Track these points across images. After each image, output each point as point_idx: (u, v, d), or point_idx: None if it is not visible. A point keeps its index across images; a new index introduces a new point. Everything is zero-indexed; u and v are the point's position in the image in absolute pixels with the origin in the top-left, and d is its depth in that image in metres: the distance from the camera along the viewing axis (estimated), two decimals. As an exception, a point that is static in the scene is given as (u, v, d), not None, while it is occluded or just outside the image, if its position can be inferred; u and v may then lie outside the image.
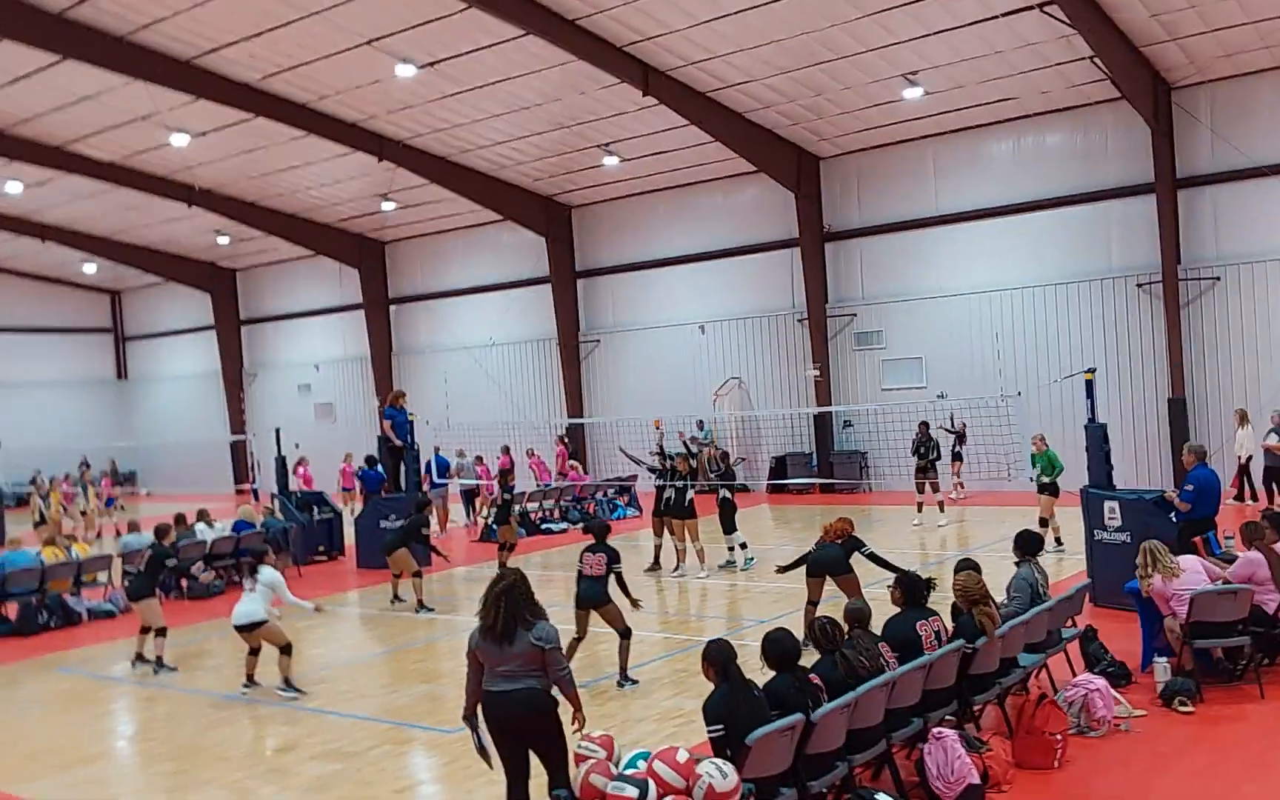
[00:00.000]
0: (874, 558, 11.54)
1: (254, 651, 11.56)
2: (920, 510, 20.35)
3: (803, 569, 11.79)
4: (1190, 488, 12.01)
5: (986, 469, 20.94)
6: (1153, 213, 22.57)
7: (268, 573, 11.48)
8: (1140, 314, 23.21)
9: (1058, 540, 16.56)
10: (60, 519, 24.86)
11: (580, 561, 11.06)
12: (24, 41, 21.34)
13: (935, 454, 20.24)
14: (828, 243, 27.19)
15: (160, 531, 13.67)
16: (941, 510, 20.27)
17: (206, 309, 40.26)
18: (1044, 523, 16.42)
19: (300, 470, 26.27)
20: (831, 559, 11.75)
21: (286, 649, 11.38)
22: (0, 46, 21.79)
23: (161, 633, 12.93)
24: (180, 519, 18.78)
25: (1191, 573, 9.58)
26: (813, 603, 11.75)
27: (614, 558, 10.94)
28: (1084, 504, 13.32)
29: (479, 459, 25.97)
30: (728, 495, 17.49)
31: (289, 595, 11.64)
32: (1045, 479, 16.83)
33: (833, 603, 11.40)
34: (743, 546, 17.34)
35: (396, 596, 16.09)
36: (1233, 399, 21.77)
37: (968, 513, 21.07)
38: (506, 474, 18.97)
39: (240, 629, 11.43)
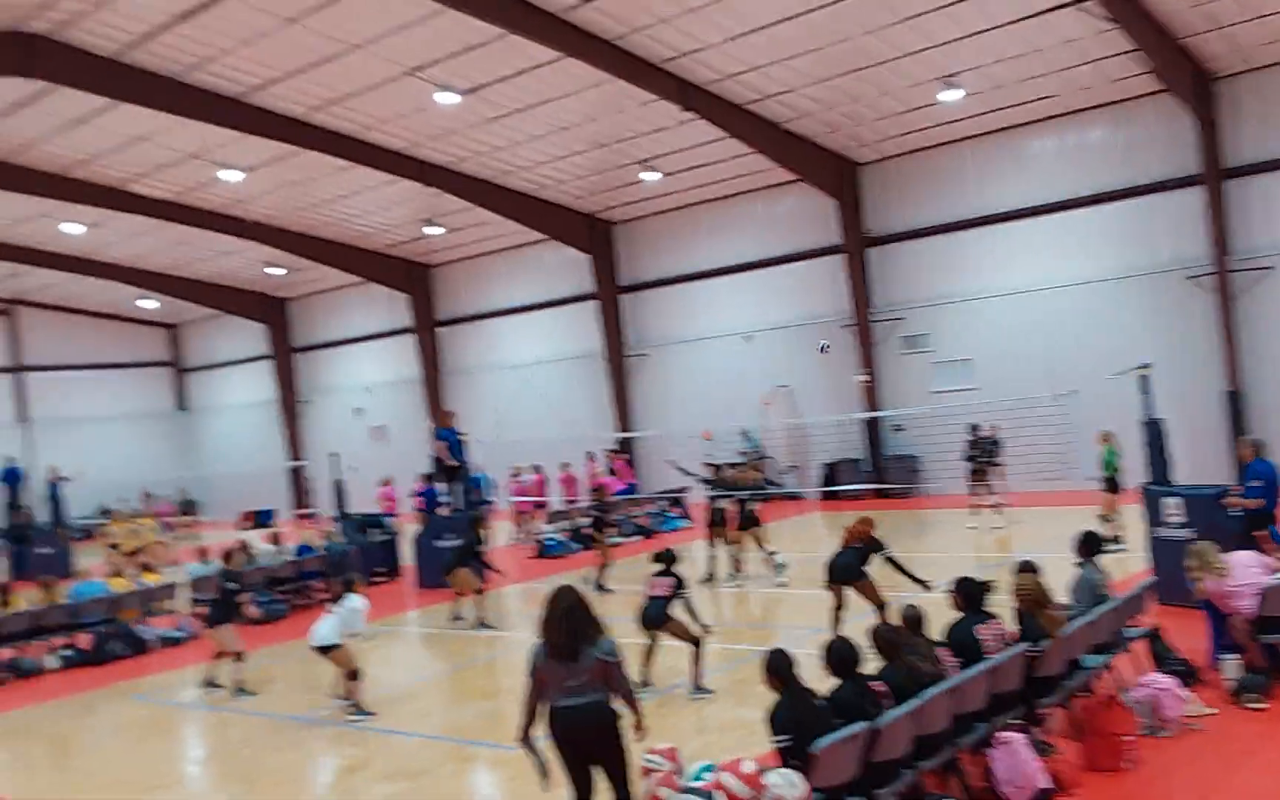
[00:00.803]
0: (892, 562, 11.50)
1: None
2: (976, 512, 20.24)
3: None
4: (1258, 483, 11.86)
5: (1041, 469, 20.76)
6: (1200, 204, 22.30)
7: (353, 600, 11.56)
8: (1192, 307, 22.91)
9: (1115, 539, 16.44)
10: (142, 546, 25.26)
11: (647, 584, 11.26)
12: (79, 87, 21.96)
13: (988, 456, 20.13)
14: (870, 248, 27.13)
15: (226, 557, 14.02)
16: (997, 512, 20.11)
17: (261, 339, 41.01)
18: (1105, 520, 16.30)
19: (385, 489, 26.86)
20: (844, 566, 11.77)
21: (354, 674, 11.51)
22: (58, 93, 22.45)
23: (238, 658, 13.19)
24: (243, 546, 19.20)
25: (1244, 568, 9.43)
26: (835, 609, 11.83)
27: (681, 584, 11.16)
28: (1144, 501, 13.20)
29: (516, 474, 26.16)
30: (752, 509, 17.59)
31: (361, 625, 11.66)
32: (1105, 474, 16.71)
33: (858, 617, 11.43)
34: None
35: (457, 615, 16.30)
36: (1291, 389, 21.43)
37: (1022, 514, 20.86)
38: (601, 490, 19.10)
39: (316, 650, 11.58)
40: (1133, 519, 14.68)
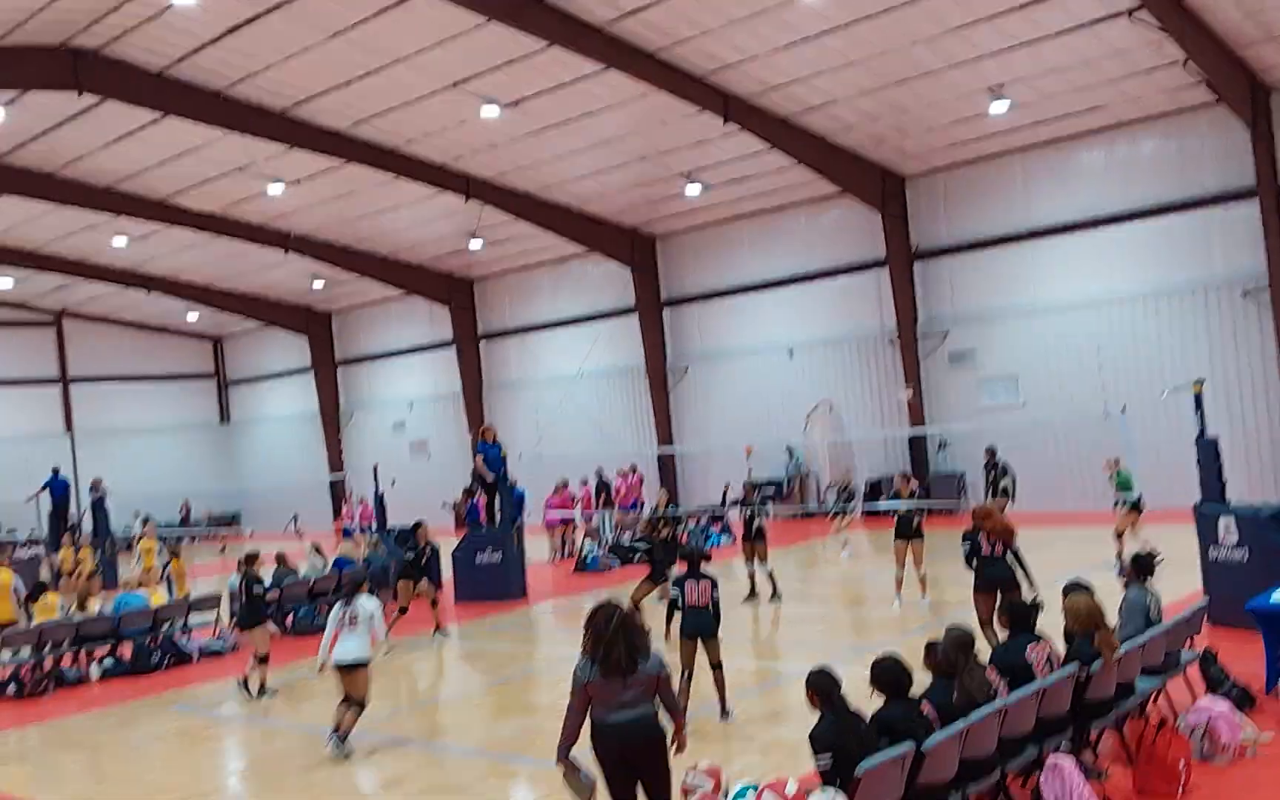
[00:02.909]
0: (1018, 558, 11.14)
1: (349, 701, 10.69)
2: None
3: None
4: None
5: (1091, 488, 20.37)
6: (1256, 218, 21.82)
7: (366, 603, 10.73)
8: (1248, 323, 22.42)
9: (1118, 557, 16.47)
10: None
11: (681, 590, 10.53)
12: (127, 101, 22.29)
13: (1006, 480, 19.77)
14: (916, 261, 26.85)
15: (250, 560, 14.16)
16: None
17: (304, 351, 41.37)
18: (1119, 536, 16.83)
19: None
20: (1004, 578, 10.89)
21: (361, 705, 10.68)
22: (105, 107, 22.80)
23: (264, 660, 13.48)
24: (282, 558, 19.26)
25: None
26: (987, 622, 10.75)
27: (715, 585, 10.55)
28: (1197, 521, 12.87)
29: (557, 488, 26.12)
30: (760, 523, 17.54)
31: (381, 629, 11.31)
32: (1129, 498, 17.07)
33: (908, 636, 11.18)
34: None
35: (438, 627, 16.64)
36: (1350, 407, 20.88)
37: (1068, 533, 20.43)
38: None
39: (343, 668, 10.62)
40: (1187, 539, 14.28)
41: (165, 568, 19.47)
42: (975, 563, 11.19)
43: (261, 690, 13.53)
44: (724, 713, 10.52)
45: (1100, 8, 18.71)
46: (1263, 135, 21.47)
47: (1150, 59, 20.51)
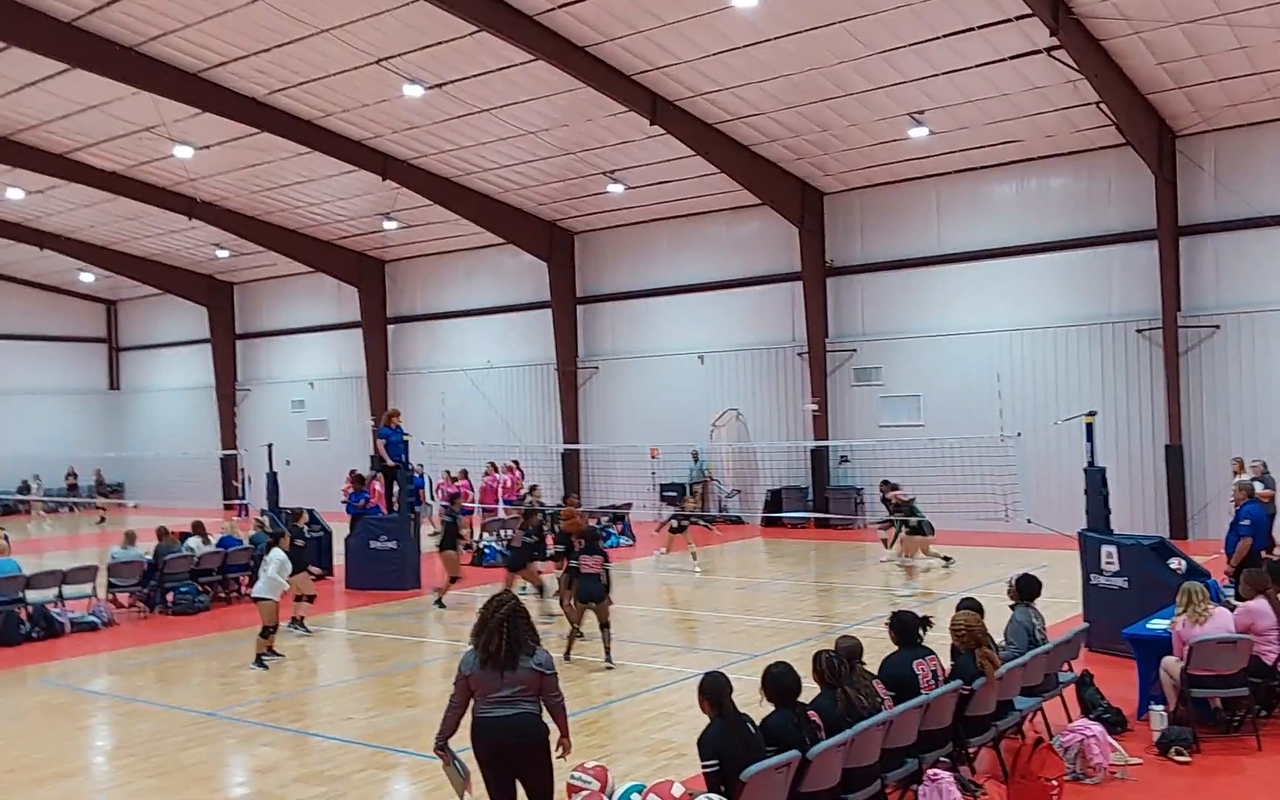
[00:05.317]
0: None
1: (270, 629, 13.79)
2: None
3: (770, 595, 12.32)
4: (1247, 522, 12.32)
5: (983, 510, 20.85)
6: (1154, 259, 22.59)
7: (275, 554, 13.94)
8: (1139, 360, 23.18)
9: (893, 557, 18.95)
10: None
11: (578, 562, 13.12)
12: (33, 49, 21.32)
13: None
14: (829, 278, 27.18)
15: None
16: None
17: (202, 322, 40.14)
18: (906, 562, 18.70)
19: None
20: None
21: (266, 630, 13.67)
22: (9, 53, 21.79)
23: (310, 599, 15.86)
24: (163, 532, 18.57)
25: (1219, 623, 9.29)
26: (567, 588, 13.89)
27: (606, 558, 13.11)
28: (1081, 548, 13.22)
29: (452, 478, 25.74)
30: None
31: (282, 579, 13.74)
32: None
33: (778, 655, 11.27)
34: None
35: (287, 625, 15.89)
36: (1230, 447, 21.68)
37: (961, 552, 20.88)
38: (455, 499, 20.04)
39: (255, 600, 13.96)
40: (1069, 564, 14.67)
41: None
42: (570, 554, 13.99)
43: (300, 624, 15.37)
44: (608, 661, 12.68)
45: (1021, 43, 19.16)
46: (1166, 180, 22.25)
47: (1065, 97, 21.07)
